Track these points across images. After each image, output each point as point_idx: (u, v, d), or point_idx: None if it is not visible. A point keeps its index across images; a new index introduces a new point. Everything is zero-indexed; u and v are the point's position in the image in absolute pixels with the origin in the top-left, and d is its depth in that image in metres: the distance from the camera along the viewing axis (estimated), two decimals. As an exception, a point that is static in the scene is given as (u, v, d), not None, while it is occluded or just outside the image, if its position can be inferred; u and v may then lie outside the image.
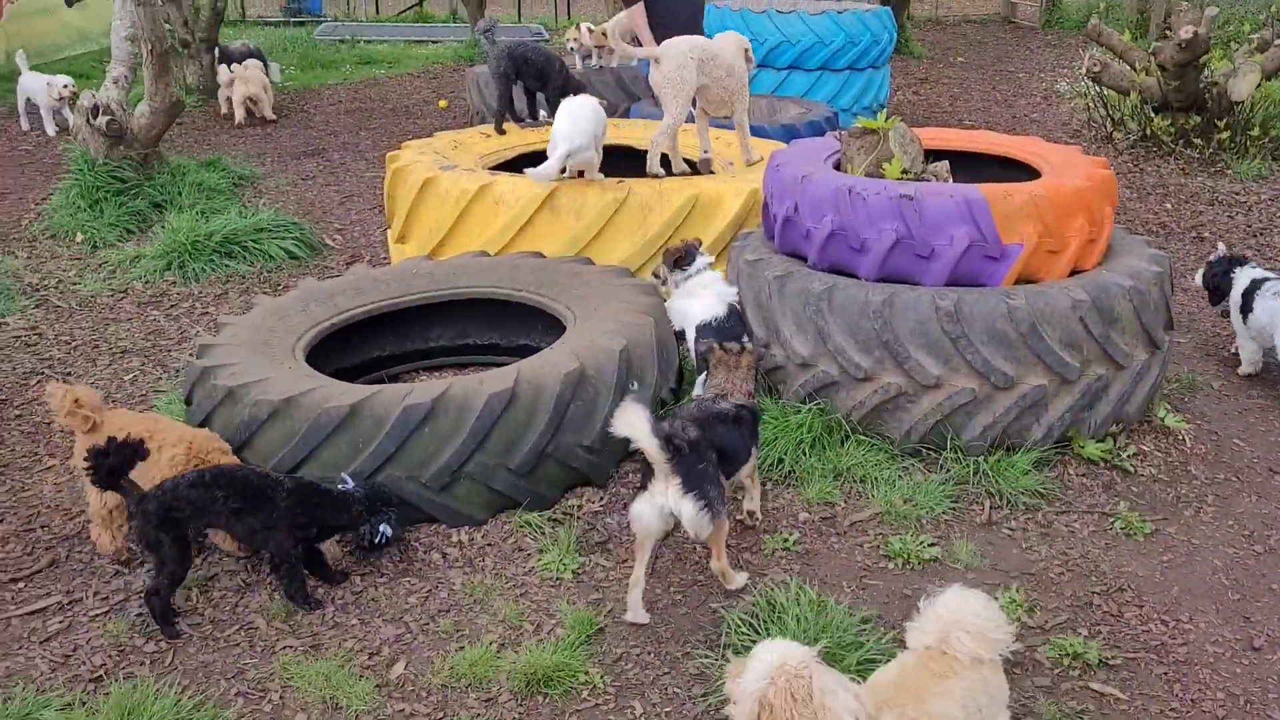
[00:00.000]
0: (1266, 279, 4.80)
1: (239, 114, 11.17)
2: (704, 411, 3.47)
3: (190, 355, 5.21)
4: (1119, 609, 3.35)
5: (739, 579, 3.43)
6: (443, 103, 12.51)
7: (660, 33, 6.47)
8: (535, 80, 6.73)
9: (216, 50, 12.45)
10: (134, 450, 3.23)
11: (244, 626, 3.37)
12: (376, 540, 3.47)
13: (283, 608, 3.42)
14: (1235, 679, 3.05)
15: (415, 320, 5.00)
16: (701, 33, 6.81)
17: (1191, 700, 2.97)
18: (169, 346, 5.52)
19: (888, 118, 4.56)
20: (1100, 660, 3.10)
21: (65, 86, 9.93)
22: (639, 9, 6.43)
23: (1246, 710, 2.94)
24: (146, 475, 3.42)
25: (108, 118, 7.40)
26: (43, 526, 3.96)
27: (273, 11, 22.28)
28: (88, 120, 7.49)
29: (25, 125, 10.40)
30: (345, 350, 4.78)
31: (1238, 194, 8.18)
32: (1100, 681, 3.03)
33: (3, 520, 4.00)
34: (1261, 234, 7.29)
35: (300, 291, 4.84)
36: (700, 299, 4.44)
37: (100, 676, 3.14)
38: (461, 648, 3.21)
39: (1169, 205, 8.04)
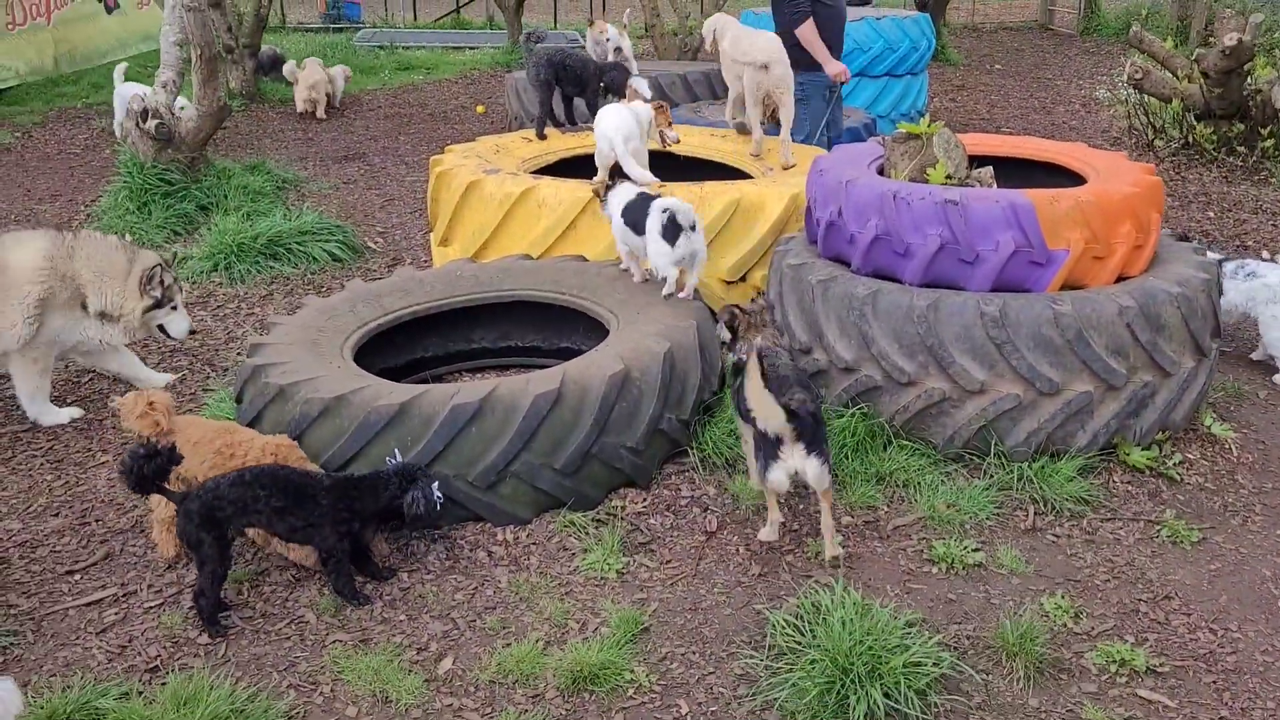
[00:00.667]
0: (1228, 260, 4.99)
1: (315, 108, 11.82)
2: (797, 376, 3.72)
3: (239, 354, 5.31)
4: (1166, 616, 3.33)
5: (837, 544, 3.58)
6: (480, 108, 12.61)
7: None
8: (574, 86, 6.78)
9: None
10: (169, 455, 3.27)
11: (294, 620, 3.43)
12: (432, 503, 3.45)
13: (332, 602, 3.47)
14: (1285, 688, 3.03)
15: (459, 322, 5.06)
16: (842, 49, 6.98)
17: (1241, 709, 2.95)
18: (216, 346, 5.61)
19: (930, 123, 4.57)
20: (1148, 667, 3.09)
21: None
22: (810, 25, 6.51)
23: (1297, 719, 2.92)
24: None
25: (156, 121, 7.52)
26: (97, 520, 4.04)
27: (312, 18, 22.56)
28: (137, 124, 7.63)
29: (120, 134, 10.44)
30: (390, 350, 4.84)
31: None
32: (1148, 688, 3.02)
33: (58, 514, 4.08)
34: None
35: (348, 292, 4.91)
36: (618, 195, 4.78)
37: (156, 667, 3.20)
38: (508, 644, 3.25)
39: (1211, 214, 7.96)
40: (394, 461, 3.58)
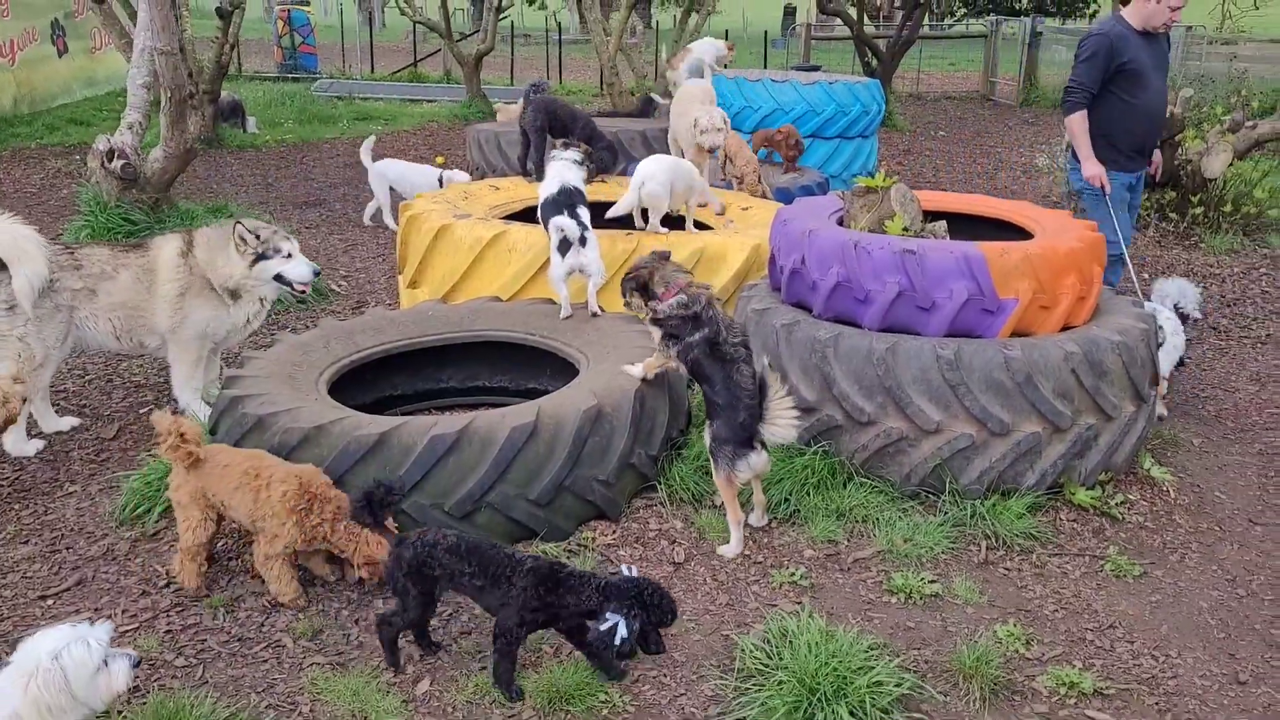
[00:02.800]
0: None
1: None
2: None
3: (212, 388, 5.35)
4: (1111, 644, 3.52)
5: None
6: (439, 159, 12.78)
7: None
8: (562, 132, 7.00)
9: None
10: (391, 491, 3.32)
11: (271, 644, 3.48)
12: (606, 633, 3.17)
13: (309, 626, 3.54)
14: (1223, 709, 3.21)
15: (429, 361, 5.16)
16: None
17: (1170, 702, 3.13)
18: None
19: (886, 178, 4.81)
20: (1095, 689, 3.26)
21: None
22: (1080, 117, 5.93)
23: (1234, 737, 3.10)
24: (259, 511, 3.56)
25: (123, 161, 7.59)
26: (67, 548, 4.06)
27: (269, 67, 22.69)
28: (102, 163, 7.68)
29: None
30: (361, 388, 4.92)
31: (1211, 266, 8.52)
32: (1095, 709, 3.19)
33: (28, 542, 4.10)
34: (1235, 304, 7.60)
35: (321, 329, 5.00)
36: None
37: (135, 688, 3.23)
38: (484, 667, 3.33)
39: (1146, 275, 8.32)
40: (625, 571, 3.41)
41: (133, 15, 11.67)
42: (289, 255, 4.95)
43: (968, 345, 4.14)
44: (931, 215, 4.94)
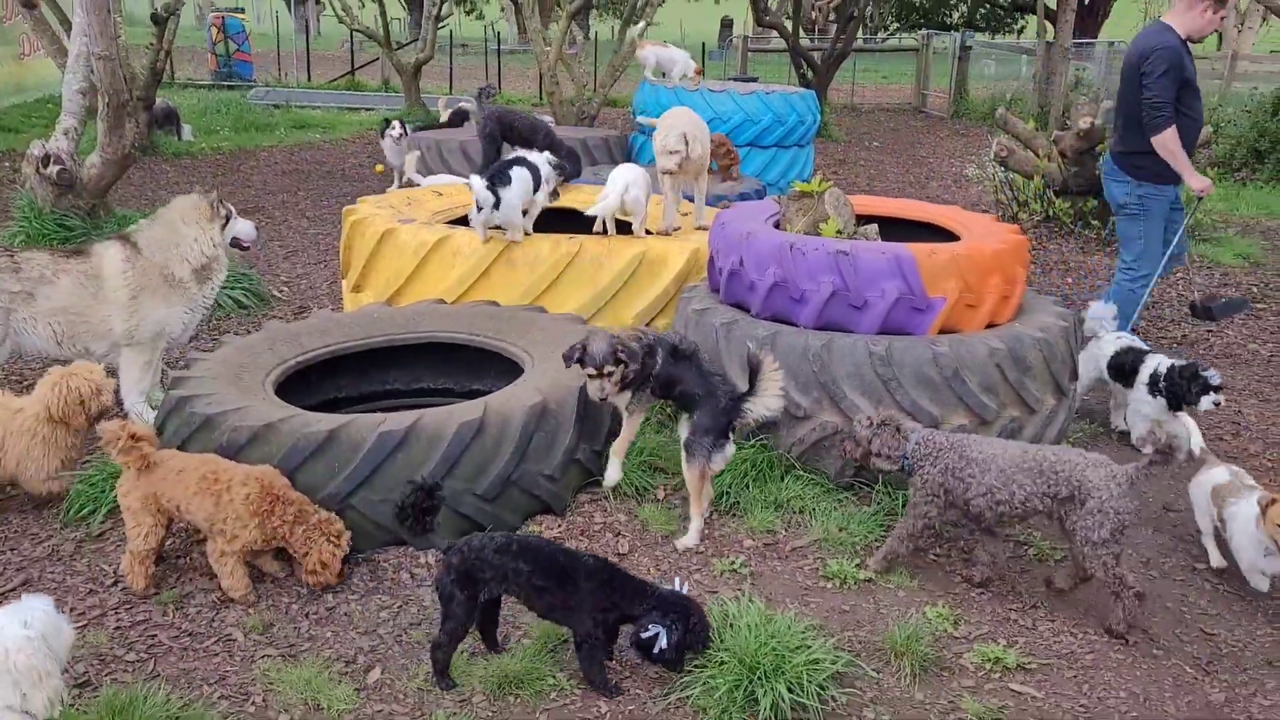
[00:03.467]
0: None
1: None
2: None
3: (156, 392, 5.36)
4: (1034, 623, 3.70)
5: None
6: (379, 167, 12.77)
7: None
8: (522, 143, 7.08)
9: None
10: (433, 494, 3.30)
11: (222, 639, 3.53)
12: (646, 639, 3.21)
13: (259, 621, 3.59)
14: (1136, 680, 3.41)
15: (374, 363, 5.22)
16: None
17: (1098, 698, 3.31)
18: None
19: (821, 183, 4.99)
20: (1019, 664, 3.43)
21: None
22: (1173, 132, 5.68)
23: (1144, 705, 3.29)
24: (219, 514, 3.60)
25: (59, 167, 7.53)
26: (12, 549, 4.06)
27: (203, 75, 22.44)
28: (37, 169, 7.61)
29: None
30: (306, 390, 4.96)
31: (1131, 270, 8.84)
32: (1019, 683, 3.37)
33: (-30, 544, 4.09)
34: (1153, 307, 7.91)
35: (266, 332, 5.04)
36: None
37: (86, 681, 3.27)
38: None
39: (1069, 280, 8.66)
40: (672, 587, 3.34)
41: (64, 21, 11.57)
42: (233, 217, 5.22)
43: (898, 342, 4.32)
44: (864, 219, 5.13)
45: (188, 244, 4.99)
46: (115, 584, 3.82)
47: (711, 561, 4.00)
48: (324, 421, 3.96)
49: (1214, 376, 4.87)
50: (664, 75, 11.18)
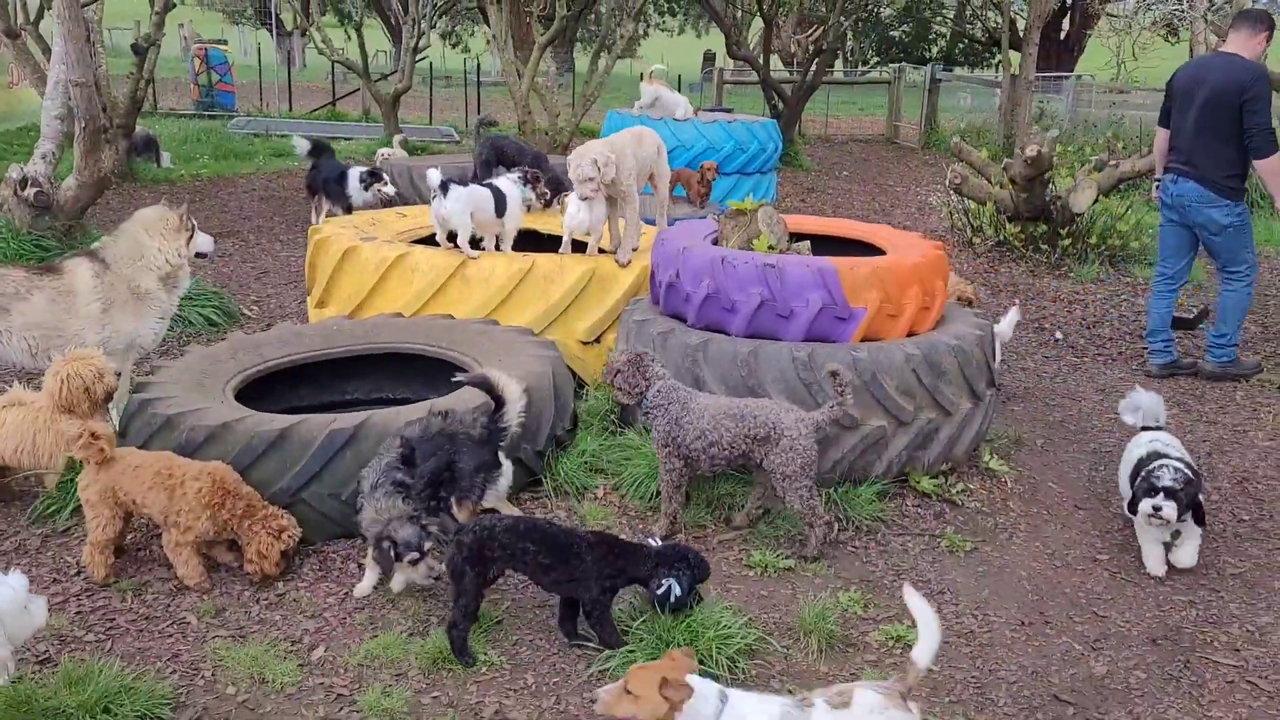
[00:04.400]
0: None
1: None
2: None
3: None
4: (939, 607, 3.94)
5: None
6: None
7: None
8: (511, 166, 7.41)
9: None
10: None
11: (176, 621, 3.76)
12: (662, 594, 3.53)
13: (212, 606, 3.82)
14: (1027, 655, 3.68)
15: (334, 374, 5.47)
16: None
17: (990, 670, 3.58)
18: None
19: (756, 202, 5.29)
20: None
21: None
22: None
23: (1033, 676, 3.56)
24: (173, 507, 3.84)
25: (36, 189, 7.78)
26: (-22, 543, 4.28)
27: (185, 105, 22.73)
28: (15, 191, 7.86)
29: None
30: (267, 399, 5.19)
31: (1077, 293, 9.19)
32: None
33: (-60, 538, 4.31)
34: (1095, 325, 8.24)
35: (229, 342, 5.29)
36: None
37: (46, 658, 3.49)
38: (375, 635, 3.66)
39: (1021, 300, 8.98)
40: (656, 542, 3.79)
41: (45, 50, 11.86)
42: (194, 229, 5.42)
43: (821, 349, 4.60)
44: (799, 236, 5.43)
45: (152, 254, 5.23)
46: (78, 574, 4.04)
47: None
48: (276, 421, 4.21)
49: (1163, 478, 4.14)
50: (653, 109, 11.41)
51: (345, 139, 18.70)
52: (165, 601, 3.88)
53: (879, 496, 4.62)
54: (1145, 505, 4.13)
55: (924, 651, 2.88)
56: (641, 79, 12.07)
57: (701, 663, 3.38)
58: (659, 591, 3.54)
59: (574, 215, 6.09)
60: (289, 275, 8.95)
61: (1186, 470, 4.20)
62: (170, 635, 3.68)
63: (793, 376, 4.55)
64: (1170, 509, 4.08)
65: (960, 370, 4.75)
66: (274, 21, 31.40)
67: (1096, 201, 9.97)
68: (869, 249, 5.51)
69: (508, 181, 6.38)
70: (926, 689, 3.47)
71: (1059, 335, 7.94)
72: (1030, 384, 6.70)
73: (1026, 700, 3.46)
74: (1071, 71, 26.41)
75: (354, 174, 9.72)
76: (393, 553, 3.74)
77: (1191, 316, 7.67)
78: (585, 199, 5.86)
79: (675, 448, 4.28)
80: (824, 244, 5.53)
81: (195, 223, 5.42)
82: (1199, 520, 4.24)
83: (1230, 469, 5.39)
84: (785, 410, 4.20)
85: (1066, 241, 9.95)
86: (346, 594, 3.94)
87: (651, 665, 2.75)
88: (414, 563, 3.77)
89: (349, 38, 20.21)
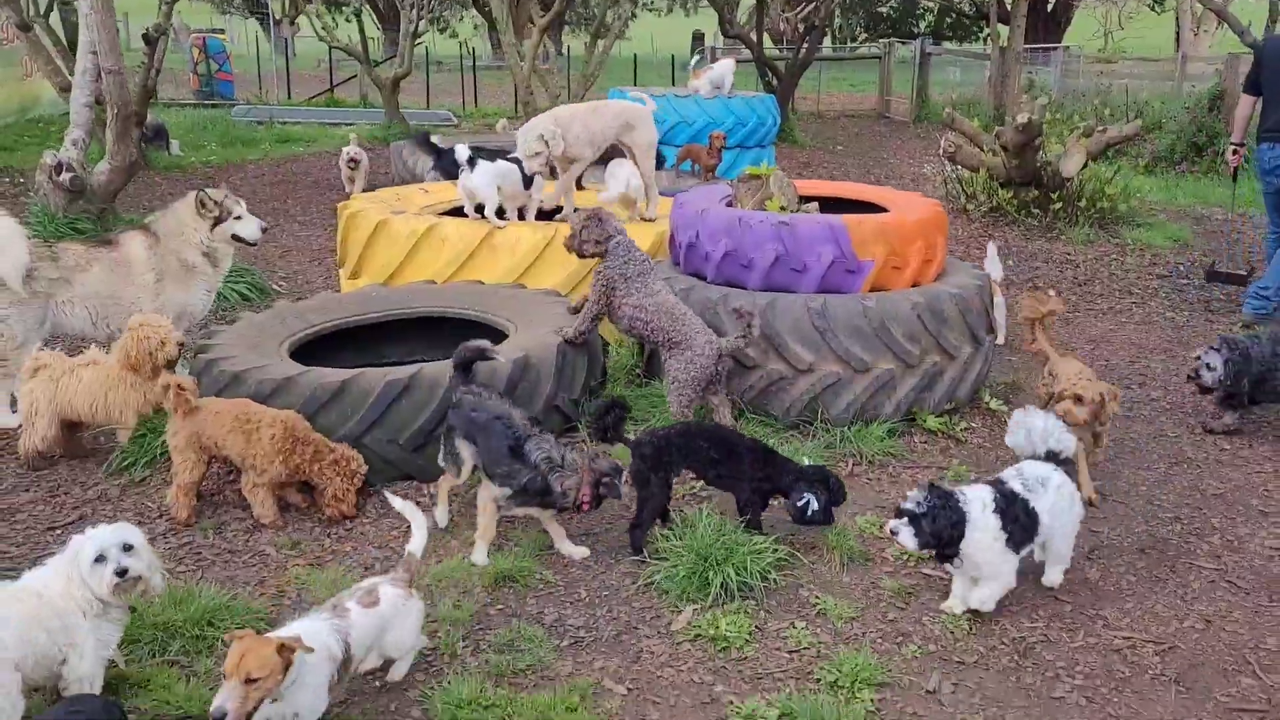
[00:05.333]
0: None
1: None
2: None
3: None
4: (948, 526, 4.36)
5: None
6: (362, 174, 13.39)
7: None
8: None
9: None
10: (623, 407, 4.11)
11: (257, 554, 4.14)
12: (801, 506, 3.97)
13: (289, 540, 4.21)
14: (1027, 564, 4.07)
15: (372, 338, 5.83)
16: None
17: (996, 577, 3.98)
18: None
19: (768, 168, 5.66)
20: (929, 558, 4.08)
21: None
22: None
23: (1034, 581, 3.96)
24: (249, 451, 4.20)
25: (71, 174, 8.12)
26: (65, 494, 4.66)
27: (184, 95, 22.97)
28: (50, 177, 8.20)
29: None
30: (312, 360, 5.56)
31: (1068, 254, 9.59)
32: (929, 568, 4.02)
33: (28, 490, 4.68)
34: (1085, 284, 8.63)
35: (276, 310, 5.66)
36: None
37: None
38: (439, 560, 4.05)
39: (1012, 262, 9.36)
40: (810, 463, 4.20)
41: (56, 43, 12.18)
42: (239, 217, 5.72)
43: (833, 299, 4.98)
44: (807, 199, 5.80)
45: (192, 230, 5.58)
46: (160, 517, 4.42)
47: (676, 487, 4.64)
48: (337, 374, 4.58)
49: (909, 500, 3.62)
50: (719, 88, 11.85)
51: (347, 125, 19.01)
52: (244, 538, 4.26)
53: (889, 434, 5.01)
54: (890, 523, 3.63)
55: (417, 545, 3.44)
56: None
57: (737, 572, 3.78)
58: (799, 504, 3.98)
59: (610, 188, 6.53)
60: (311, 253, 9.30)
61: (959, 502, 3.54)
62: (253, 565, 4.06)
63: (807, 326, 4.93)
64: (908, 536, 3.53)
65: (962, 317, 5.14)
66: (268, 11, 31.58)
67: (1085, 167, 10.35)
68: (873, 209, 5.89)
69: None
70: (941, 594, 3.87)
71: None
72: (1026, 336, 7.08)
73: (1030, 600, 3.86)
74: (1059, 43, 26.77)
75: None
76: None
77: (1244, 273, 8.11)
78: (535, 173, 6.26)
79: (607, 291, 4.96)
80: (830, 205, 5.90)
81: (235, 210, 5.75)
82: (943, 559, 3.64)
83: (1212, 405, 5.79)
84: (702, 331, 4.80)
85: (1057, 205, 10.33)
86: (408, 528, 4.31)
87: (242, 646, 2.75)
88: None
89: (335, 24, 20.38)
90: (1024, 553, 3.70)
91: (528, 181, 6.47)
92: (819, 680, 3.36)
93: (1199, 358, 4.94)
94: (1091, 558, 4.15)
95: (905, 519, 3.52)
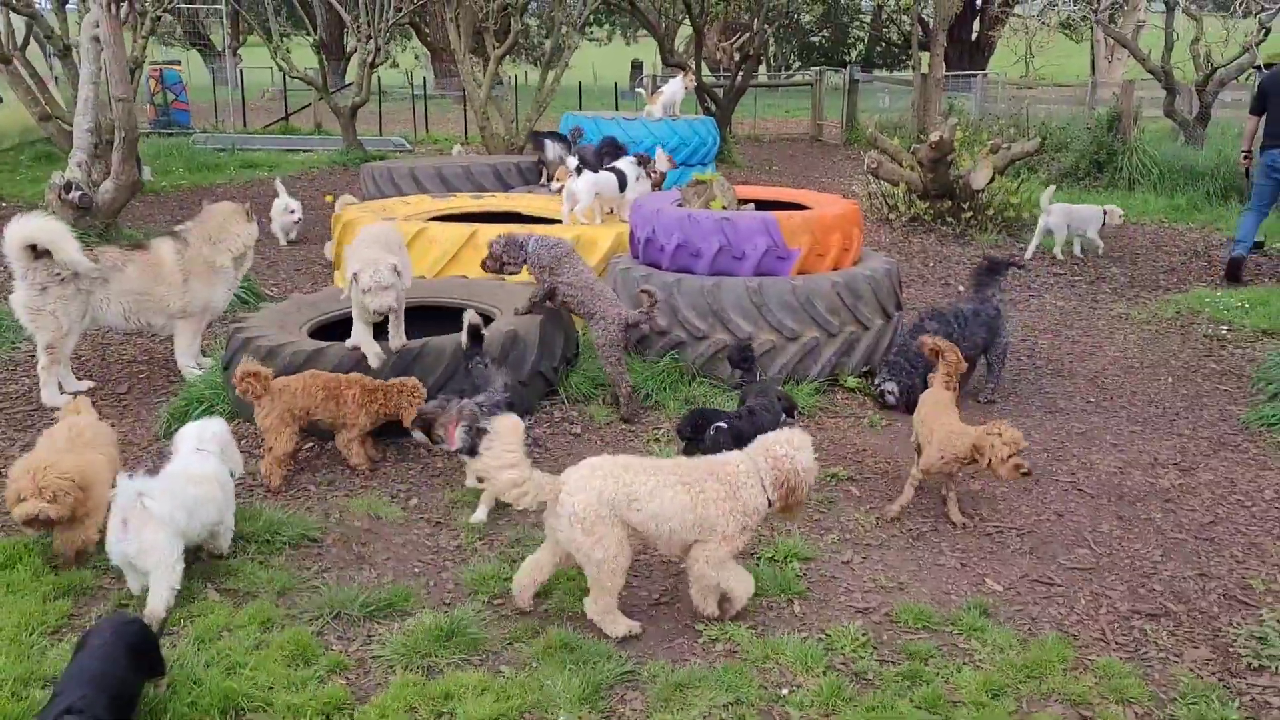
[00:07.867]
0: None
1: None
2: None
3: (176, 381, 6.78)
4: (861, 457, 5.40)
5: None
6: (329, 196, 14.23)
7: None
8: (614, 157, 9.01)
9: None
10: (752, 350, 5.32)
11: (300, 490, 5.03)
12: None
13: (325, 479, 5.10)
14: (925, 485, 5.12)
15: (375, 327, 6.73)
16: None
17: (897, 489, 5.01)
18: (165, 358, 7.03)
19: (711, 174, 6.71)
20: (849, 477, 5.12)
21: (293, 211, 11.33)
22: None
23: (930, 495, 4.99)
24: (340, 411, 5.01)
25: (80, 192, 8.93)
26: (121, 453, 5.49)
27: (141, 124, 23.55)
28: (59, 195, 9.00)
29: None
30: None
31: (976, 256, 10.75)
32: (845, 483, 5.05)
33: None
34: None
35: (293, 300, 6.57)
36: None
37: (216, 510, 4.74)
38: (453, 490, 4.97)
39: (930, 264, 10.53)
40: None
41: (34, 75, 12.89)
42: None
43: (767, 281, 6.02)
44: (744, 201, 6.85)
45: (231, 238, 6.46)
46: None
47: (640, 434, 5.63)
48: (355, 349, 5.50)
49: None
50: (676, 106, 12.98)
51: (305, 151, 19.83)
52: (290, 479, 5.15)
53: (816, 391, 6.05)
54: None
55: None
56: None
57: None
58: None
59: (578, 201, 7.67)
60: (295, 263, 10.17)
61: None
62: (299, 498, 4.95)
63: (746, 302, 5.96)
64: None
65: (874, 295, 6.20)
66: (208, 42, 32.24)
67: (993, 180, 11.57)
68: (800, 208, 6.96)
69: (628, 164, 7.96)
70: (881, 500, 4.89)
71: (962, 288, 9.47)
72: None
73: (924, 505, 4.89)
74: (983, 70, 28.41)
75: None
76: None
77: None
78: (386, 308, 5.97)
79: (539, 274, 5.91)
80: (764, 206, 6.96)
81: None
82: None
83: (1086, 370, 6.92)
84: (613, 304, 5.76)
85: (969, 214, 11.53)
86: (425, 465, 5.25)
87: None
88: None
89: (276, 55, 21.08)
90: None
91: (622, 185, 7.78)
92: (759, 558, 4.35)
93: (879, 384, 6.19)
94: (974, 477, 5.21)
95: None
